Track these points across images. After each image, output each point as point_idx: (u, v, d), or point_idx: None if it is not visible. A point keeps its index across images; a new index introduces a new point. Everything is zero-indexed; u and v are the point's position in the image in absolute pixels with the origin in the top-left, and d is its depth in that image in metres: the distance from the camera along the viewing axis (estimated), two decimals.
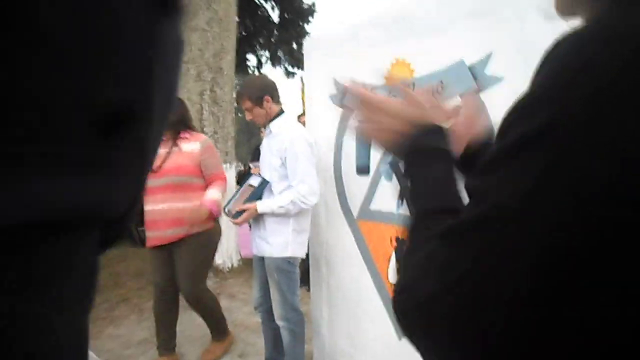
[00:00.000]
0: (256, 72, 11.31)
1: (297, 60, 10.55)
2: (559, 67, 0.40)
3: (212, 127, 5.10)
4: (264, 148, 2.83)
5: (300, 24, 10.67)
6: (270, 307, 2.85)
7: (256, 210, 2.61)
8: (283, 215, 2.62)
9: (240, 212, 2.65)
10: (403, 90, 0.72)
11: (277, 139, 2.67)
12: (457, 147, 0.77)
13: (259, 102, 2.67)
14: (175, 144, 3.09)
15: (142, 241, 6.81)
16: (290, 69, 10.75)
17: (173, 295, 3.32)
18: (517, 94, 1.59)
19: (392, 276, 2.49)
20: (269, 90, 2.71)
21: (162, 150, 3.02)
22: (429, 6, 2.12)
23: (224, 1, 5.28)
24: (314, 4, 10.54)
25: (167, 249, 3.15)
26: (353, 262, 2.69)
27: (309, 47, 2.92)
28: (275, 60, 10.93)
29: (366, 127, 0.74)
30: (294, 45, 10.60)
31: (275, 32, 10.72)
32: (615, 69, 0.34)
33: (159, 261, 3.24)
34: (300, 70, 10.63)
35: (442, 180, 0.60)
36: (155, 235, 3.11)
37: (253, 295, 3.08)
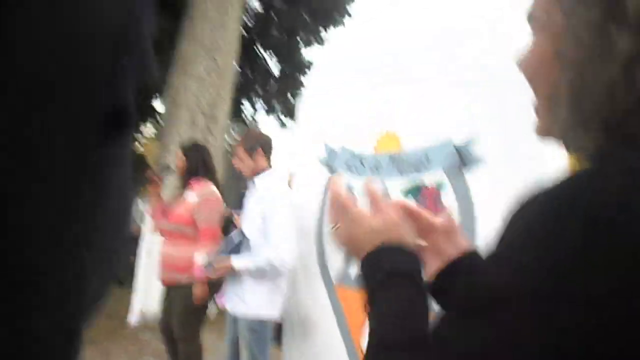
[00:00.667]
0: (251, 120, 11.47)
1: (291, 112, 10.72)
2: (527, 231, 0.41)
3: None
4: (247, 202, 2.82)
5: (298, 76, 10.90)
6: None
7: (231, 265, 2.57)
8: (258, 276, 2.57)
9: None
10: (377, 202, 0.73)
11: (259, 196, 2.66)
12: (429, 268, 0.77)
13: (251, 152, 2.70)
14: (184, 191, 3.19)
15: (119, 281, 6.67)
16: (284, 119, 10.92)
17: (170, 333, 3.29)
18: (500, 179, 1.60)
19: (364, 344, 2.44)
20: (264, 144, 2.73)
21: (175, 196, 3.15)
22: (419, 86, 2.19)
23: (225, 52, 5.41)
24: (311, 61, 10.84)
25: (168, 289, 3.22)
26: (327, 328, 2.64)
27: (302, 109, 2.99)
28: (270, 110, 11.10)
29: (337, 230, 0.73)
30: (290, 97, 10.79)
31: (273, 82, 10.93)
32: (582, 244, 0.35)
33: (164, 297, 3.31)
34: (293, 123, 10.80)
35: (405, 308, 0.60)
36: (160, 274, 3.21)
37: (225, 351, 2.99)
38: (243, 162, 2.73)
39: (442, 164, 2.05)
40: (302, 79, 10.97)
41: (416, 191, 2.16)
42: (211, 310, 6.05)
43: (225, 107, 5.51)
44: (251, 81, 10.72)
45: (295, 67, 10.70)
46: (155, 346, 4.46)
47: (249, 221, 2.70)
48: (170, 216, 3.16)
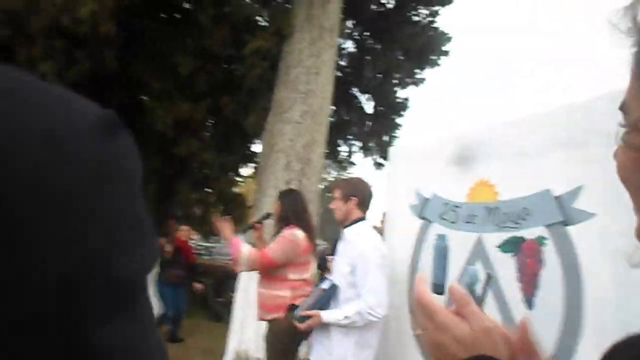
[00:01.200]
0: (347, 160, 11.58)
1: (386, 153, 10.67)
2: None
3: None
4: (338, 252, 2.81)
5: (393, 117, 10.88)
6: None
7: (320, 318, 2.54)
8: (348, 325, 2.52)
9: (305, 317, 2.60)
10: (470, 312, 0.66)
11: (350, 246, 2.65)
12: None
13: (345, 198, 2.72)
14: (277, 236, 3.30)
15: (218, 316, 6.89)
16: (379, 160, 10.89)
17: None
18: (607, 231, 1.46)
19: None
20: (361, 194, 2.74)
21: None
22: (516, 131, 2.08)
23: (320, 96, 5.56)
24: (407, 99, 10.78)
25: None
26: None
27: (394, 155, 2.96)
28: (366, 151, 11.15)
29: (424, 335, 0.68)
30: (385, 138, 10.77)
31: (368, 123, 11.00)
32: None
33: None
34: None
35: None
36: (257, 313, 3.38)
37: None
38: (337, 205, 2.77)
39: (543, 219, 1.91)
40: (398, 119, 10.94)
41: (515, 245, 2.03)
42: (302, 352, 6.06)
43: (319, 150, 5.62)
44: (346, 122, 10.88)
45: (390, 108, 10.70)
46: None
47: (338, 271, 2.68)
48: None
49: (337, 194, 2.76)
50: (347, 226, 2.73)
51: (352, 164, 11.93)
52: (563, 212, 1.84)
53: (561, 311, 1.80)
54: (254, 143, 8.25)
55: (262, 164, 5.67)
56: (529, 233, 1.97)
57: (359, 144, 11.24)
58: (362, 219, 2.74)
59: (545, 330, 1.85)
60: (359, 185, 2.79)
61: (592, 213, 1.73)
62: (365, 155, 11.07)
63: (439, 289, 2.48)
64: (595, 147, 1.76)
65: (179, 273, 6.57)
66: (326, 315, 2.53)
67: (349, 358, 2.54)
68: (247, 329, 4.85)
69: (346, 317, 2.48)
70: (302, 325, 2.58)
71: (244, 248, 3.11)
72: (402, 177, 2.85)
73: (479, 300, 2.13)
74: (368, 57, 10.30)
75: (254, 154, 7.84)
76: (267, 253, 3.16)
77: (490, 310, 2.12)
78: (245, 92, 6.40)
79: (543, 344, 1.87)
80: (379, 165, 10.89)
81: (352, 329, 2.53)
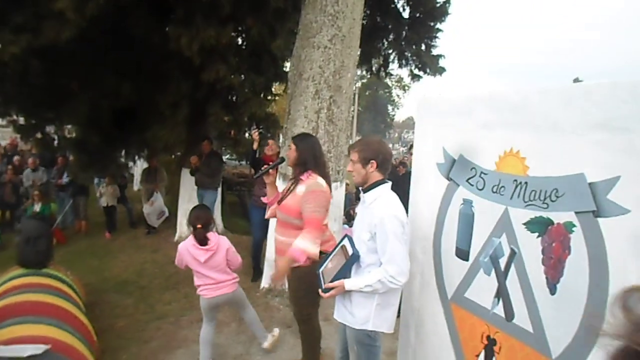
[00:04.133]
0: (380, 72, 11.12)
1: (423, 63, 10.17)
2: None
3: (326, 145, 5.11)
4: (357, 216, 2.77)
5: (431, 23, 10.23)
6: None
7: (344, 287, 2.56)
8: (370, 292, 2.54)
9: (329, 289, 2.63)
10: None
11: (369, 212, 2.58)
12: None
13: (364, 162, 2.60)
14: (293, 184, 3.33)
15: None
16: (415, 71, 10.41)
17: None
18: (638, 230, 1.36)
19: None
20: (380, 157, 2.60)
21: (289, 187, 3.34)
22: (553, 104, 1.90)
23: (349, 18, 5.22)
24: (447, 2, 10.06)
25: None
26: (442, 342, 2.58)
27: (422, 106, 2.79)
28: (402, 60, 10.64)
29: None
30: (423, 47, 10.21)
31: (406, 30, 10.40)
32: None
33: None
34: (425, 74, 10.25)
35: None
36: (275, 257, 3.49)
37: (335, 353, 3.09)
38: (355, 168, 2.65)
39: (574, 205, 1.79)
40: (437, 25, 10.28)
41: (542, 226, 1.94)
42: None
43: (349, 75, 5.38)
44: (381, 27, 10.30)
45: (427, 13, 10.02)
46: (284, 313, 4.75)
47: (358, 237, 2.66)
48: (282, 207, 3.34)
49: (354, 156, 2.62)
50: (366, 189, 2.64)
51: (389, 74, 11.44)
52: (596, 202, 1.71)
53: (584, 302, 1.75)
54: (284, 65, 8.01)
55: (290, 92, 5.50)
56: (558, 216, 1.87)
57: (394, 53, 10.72)
58: (382, 181, 2.62)
59: (566, 319, 1.82)
60: (378, 148, 2.63)
61: (626, 208, 1.61)
62: (401, 65, 10.58)
63: (463, 254, 2.45)
64: (638, 136, 1.60)
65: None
66: (349, 284, 2.55)
67: (371, 319, 2.60)
68: None
69: (368, 286, 2.50)
70: (326, 295, 2.61)
71: (304, 245, 3.04)
72: (429, 131, 2.71)
73: (502, 275, 2.09)
74: None
75: (285, 72, 7.63)
76: (314, 218, 3.15)
77: (512, 288, 2.09)
78: (271, 13, 6.07)
79: (562, 332, 1.84)
80: (415, 77, 10.44)
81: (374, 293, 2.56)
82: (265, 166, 3.30)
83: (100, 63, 6.38)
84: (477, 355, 2.32)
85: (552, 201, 1.89)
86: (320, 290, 2.65)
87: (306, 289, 3.27)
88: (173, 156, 9.68)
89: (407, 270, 2.51)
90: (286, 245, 3.21)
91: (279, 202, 3.38)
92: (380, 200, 2.57)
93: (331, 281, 2.59)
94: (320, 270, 2.79)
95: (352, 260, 2.56)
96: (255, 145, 6.13)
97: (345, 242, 2.73)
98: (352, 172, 2.69)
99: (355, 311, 2.62)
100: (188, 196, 8.25)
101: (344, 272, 2.58)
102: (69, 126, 9.24)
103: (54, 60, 5.99)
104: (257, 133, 6.11)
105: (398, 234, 2.46)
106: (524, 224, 2.02)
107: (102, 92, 6.48)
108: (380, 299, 2.57)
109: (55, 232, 8.73)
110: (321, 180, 3.24)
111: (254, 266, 6.26)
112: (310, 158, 3.30)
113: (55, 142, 8.62)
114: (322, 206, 3.20)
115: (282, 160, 3.33)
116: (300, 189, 3.23)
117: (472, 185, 2.36)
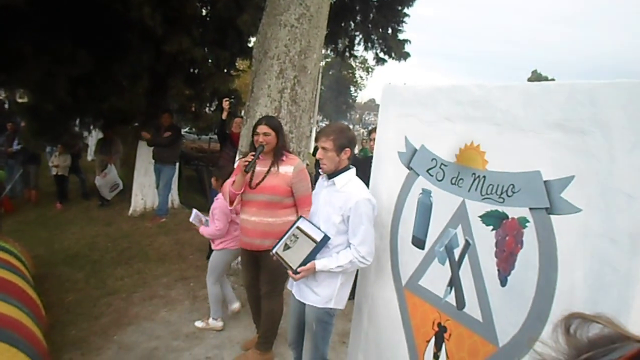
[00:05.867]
0: (346, 53, 11.07)
1: (389, 47, 10.19)
2: None
3: (288, 126, 5.07)
4: (321, 199, 2.78)
5: (399, 7, 10.24)
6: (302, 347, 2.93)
7: (314, 269, 2.63)
8: (338, 272, 2.64)
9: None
10: None
11: (341, 196, 2.63)
12: None
13: (339, 150, 2.65)
14: (274, 165, 3.35)
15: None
16: (381, 55, 10.42)
17: (257, 292, 3.69)
18: (590, 230, 1.42)
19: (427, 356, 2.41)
20: (353, 144, 2.72)
21: (262, 169, 3.34)
22: (514, 101, 1.93)
23: None
24: None
25: (254, 254, 3.50)
26: (394, 327, 2.63)
27: (387, 94, 2.80)
28: (368, 43, 10.63)
29: None
30: (389, 30, 10.21)
31: (373, 13, 10.37)
32: None
33: (246, 262, 3.70)
34: (390, 58, 10.29)
35: None
36: (245, 241, 3.49)
37: (288, 333, 3.12)
38: (327, 156, 2.67)
39: (528, 201, 1.84)
40: (405, 9, 10.29)
41: (497, 220, 1.99)
42: None
43: (315, 56, 5.32)
44: (348, 8, 10.23)
45: None
46: (239, 292, 4.74)
47: (325, 219, 2.71)
48: (266, 188, 3.33)
49: (327, 144, 2.65)
50: (333, 174, 2.69)
51: (354, 56, 11.41)
52: (550, 199, 1.77)
53: (532, 295, 1.82)
54: (249, 40, 7.85)
55: (255, 69, 5.41)
56: (512, 211, 1.92)
57: (361, 35, 10.68)
58: (348, 167, 2.71)
59: (514, 310, 1.89)
60: (351, 135, 2.74)
61: (578, 207, 1.67)
62: (367, 48, 10.57)
63: (419, 243, 2.50)
64: (593, 138, 1.65)
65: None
66: (320, 265, 2.62)
67: (334, 298, 2.71)
68: None
69: (339, 267, 2.60)
70: (297, 277, 2.64)
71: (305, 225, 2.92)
72: (392, 120, 2.73)
73: (455, 265, 2.14)
74: None
75: (250, 48, 7.48)
76: (308, 195, 3.29)
77: (465, 278, 2.15)
78: None
79: (509, 322, 1.91)
80: (380, 60, 10.46)
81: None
82: (249, 157, 3.21)
83: (57, 28, 6.08)
84: (428, 341, 2.39)
85: (508, 196, 1.94)
86: (290, 272, 2.68)
87: (278, 272, 3.35)
88: (130, 127, 9.41)
89: (374, 250, 2.62)
90: (272, 226, 3.29)
91: (256, 185, 3.34)
92: (351, 184, 2.66)
93: (302, 263, 2.63)
94: (276, 251, 2.80)
95: (323, 242, 2.62)
96: (224, 115, 6.09)
97: (304, 224, 2.75)
98: (322, 160, 2.70)
99: (320, 290, 2.71)
100: (144, 169, 8.06)
101: (314, 255, 2.63)
102: (21, 91, 8.83)
103: (7, 22, 5.66)
104: (227, 102, 6.05)
105: (370, 217, 2.57)
106: (480, 216, 2.07)
107: (57, 58, 6.18)
108: (343, 278, 2.70)
109: (4, 201, 8.39)
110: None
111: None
112: (285, 140, 3.48)
113: (6, 106, 8.22)
114: (310, 184, 3.39)
115: (263, 148, 3.30)
116: (286, 169, 3.32)
117: (431, 175, 2.40)
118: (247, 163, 3.14)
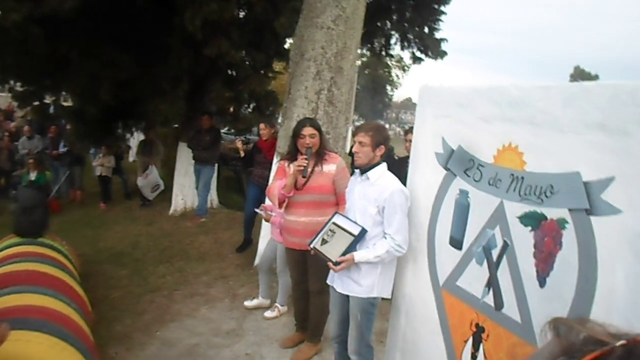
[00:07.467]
0: (382, 52, 11.04)
1: (425, 46, 10.11)
2: None
3: (325, 127, 5.11)
4: (355, 193, 2.90)
5: (435, 5, 10.14)
6: (346, 340, 3.03)
7: (353, 260, 2.76)
8: (376, 262, 2.78)
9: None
10: None
11: (375, 188, 2.79)
12: None
13: (375, 146, 2.82)
14: (318, 165, 3.48)
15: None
16: (417, 54, 10.34)
17: (305, 288, 3.80)
18: (631, 232, 1.42)
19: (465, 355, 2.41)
20: (388, 143, 2.90)
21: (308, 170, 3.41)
22: (553, 101, 1.92)
23: None
24: None
25: (302, 253, 3.56)
26: (431, 327, 2.64)
27: (424, 94, 2.81)
28: (405, 42, 10.57)
29: None
30: (425, 29, 10.13)
31: (409, 12, 10.30)
32: None
33: (294, 260, 3.80)
34: (427, 57, 10.20)
35: None
36: (294, 241, 3.63)
37: (331, 328, 3.17)
38: (363, 151, 2.81)
39: (568, 202, 1.83)
40: (441, 7, 10.18)
41: (535, 221, 1.98)
42: None
43: (351, 57, 5.35)
44: (384, 7, 10.20)
45: None
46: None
47: (361, 212, 2.85)
48: (313, 188, 3.47)
49: (365, 139, 2.81)
50: (367, 169, 2.86)
51: (390, 56, 11.38)
52: (590, 200, 1.76)
53: (572, 296, 1.81)
54: (285, 42, 7.94)
55: (292, 71, 5.48)
56: (551, 212, 1.91)
57: (397, 34, 10.63)
58: (380, 162, 2.88)
59: (553, 311, 1.87)
60: (387, 134, 2.92)
61: (619, 209, 1.65)
62: (403, 48, 10.51)
63: (457, 243, 2.50)
64: (636, 139, 1.63)
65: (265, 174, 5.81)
66: (359, 257, 2.77)
67: (376, 287, 2.85)
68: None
69: (377, 257, 2.74)
70: (337, 268, 2.78)
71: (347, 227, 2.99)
72: (429, 121, 2.74)
73: (493, 266, 2.15)
74: None
75: (286, 50, 7.57)
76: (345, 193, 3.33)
77: (503, 279, 2.15)
78: None
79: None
80: (417, 59, 10.39)
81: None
82: (301, 162, 3.30)
83: (101, 34, 6.32)
84: (465, 341, 2.39)
85: (547, 197, 1.93)
86: (331, 264, 2.81)
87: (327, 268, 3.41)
88: (170, 129, 9.67)
89: (408, 239, 2.77)
90: (322, 224, 3.27)
91: (302, 186, 3.47)
92: (384, 177, 2.83)
93: (342, 255, 2.77)
94: (313, 245, 2.91)
95: (361, 235, 2.77)
96: (242, 154, 6.46)
97: (340, 219, 2.89)
98: (357, 153, 2.84)
99: (362, 281, 2.84)
100: (184, 170, 8.27)
101: (353, 247, 2.77)
102: (65, 94, 9.19)
103: (55, 29, 5.93)
104: (240, 142, 6.33)
105: (404, 207, 2.75)
106: (518, 217, 2.07)
107: (102, 62, 6.43)
108: (382, 267, 2.83)
109: (51, 202, 8.74)
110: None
111: (245, 237, 6.34)
112: (327, 141, 3.69)
113: (52, 110, 8.58)
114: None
115: (311, 150, 3.40)
116: (329, 167, 3.49)
117: (469, 176, 2.40)
118: (301, 168, 3.25)
